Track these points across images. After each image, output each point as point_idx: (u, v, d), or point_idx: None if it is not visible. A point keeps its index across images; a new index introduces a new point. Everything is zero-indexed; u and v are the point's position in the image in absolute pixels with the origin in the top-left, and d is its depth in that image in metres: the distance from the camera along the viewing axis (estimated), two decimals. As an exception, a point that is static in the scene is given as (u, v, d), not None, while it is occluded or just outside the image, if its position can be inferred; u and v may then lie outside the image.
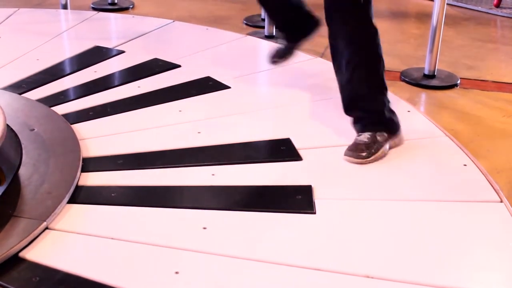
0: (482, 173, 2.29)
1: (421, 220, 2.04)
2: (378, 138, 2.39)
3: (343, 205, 2.13)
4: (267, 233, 1.98)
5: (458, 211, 2.09)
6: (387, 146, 2.42)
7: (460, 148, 2.46)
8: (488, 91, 3.27)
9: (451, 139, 2.53)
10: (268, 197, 2.18)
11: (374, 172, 2.31)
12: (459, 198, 2.16)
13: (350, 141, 2.45)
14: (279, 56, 2.97)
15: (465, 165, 2.34)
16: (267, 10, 3.07)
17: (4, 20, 3.87)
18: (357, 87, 2.45)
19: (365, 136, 2.40)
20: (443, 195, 2.18)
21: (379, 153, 2.38)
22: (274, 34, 3.77)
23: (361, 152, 2.35)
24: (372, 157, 2.36)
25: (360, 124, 2.46)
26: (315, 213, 2.06)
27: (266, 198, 2.17)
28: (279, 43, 3.08)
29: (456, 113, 3.01)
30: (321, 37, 3.84)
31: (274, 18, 3.09)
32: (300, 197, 2.14)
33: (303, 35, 2.92)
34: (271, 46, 3.35)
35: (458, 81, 3.31)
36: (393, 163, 2.37)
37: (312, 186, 2.19)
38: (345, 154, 2.38)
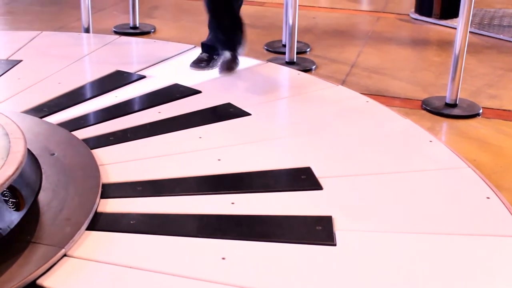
0: (505, 206, 2.25)
1: (443, 254, 2.01)
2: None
3: (364, 236, 2.10)
4: (286, 264, 1.95)
5: (481, 246, 2.05)
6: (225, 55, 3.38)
7: (482, 179, 2.42)
8: (510, 121, 3.23)
9: (473, 170, 2.49)
10: (288, 227, 2.15)
11: (396, 203, 2.28)
12: (482, 232, 2.12)
13: (372, 171, 2.48)
14: (227, 68, 3.37)
15: (488, 197, 2.31)
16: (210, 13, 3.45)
17: (27, 43, 3.91)
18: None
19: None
20: (465, 229, 2.14)
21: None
22: (295, 60, 3.77)
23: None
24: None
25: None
26: (335, 244, 2.03)
27: (285, 228, 2.15)
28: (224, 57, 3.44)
29: (478, 143, 2.97)
30: (342, 64, 3.86)
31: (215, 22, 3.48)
32: (320, 228, 2.11)
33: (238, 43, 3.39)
34: (291, 72, 3.35)
35: (480, 111, 3.28)
36: (414, 195, 2.34)
37: (333, 216, 2.16)
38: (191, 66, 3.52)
